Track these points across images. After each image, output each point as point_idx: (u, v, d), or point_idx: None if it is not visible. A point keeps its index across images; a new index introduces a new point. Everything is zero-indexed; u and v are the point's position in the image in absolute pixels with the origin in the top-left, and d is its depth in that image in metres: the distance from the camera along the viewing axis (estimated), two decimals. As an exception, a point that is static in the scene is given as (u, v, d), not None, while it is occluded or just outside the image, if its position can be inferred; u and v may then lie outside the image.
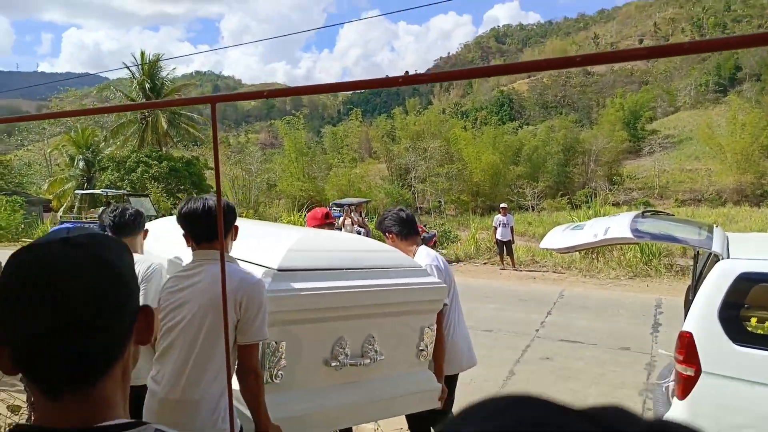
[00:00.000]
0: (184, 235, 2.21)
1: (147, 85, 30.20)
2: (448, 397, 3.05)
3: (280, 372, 2.23)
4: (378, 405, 2.62)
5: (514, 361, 6.14)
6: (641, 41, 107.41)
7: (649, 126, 54.86)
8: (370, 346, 2.51)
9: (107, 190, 19.43)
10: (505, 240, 12.44)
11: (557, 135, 41.79)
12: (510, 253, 12.58)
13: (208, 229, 2.14)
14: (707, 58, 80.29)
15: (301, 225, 16.40)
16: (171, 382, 1.98)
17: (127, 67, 30.50)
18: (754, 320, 3.69)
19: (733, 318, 3.38)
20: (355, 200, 17.02)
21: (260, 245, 2.58)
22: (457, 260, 13.65)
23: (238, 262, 2.30)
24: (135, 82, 30.70)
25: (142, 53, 31.18)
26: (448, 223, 21.22)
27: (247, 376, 2.01)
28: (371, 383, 2.57)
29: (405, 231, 3.20)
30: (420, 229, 13.92)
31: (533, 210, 31.39)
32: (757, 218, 22.35)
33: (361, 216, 14.50)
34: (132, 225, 2.91)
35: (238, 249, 2.40)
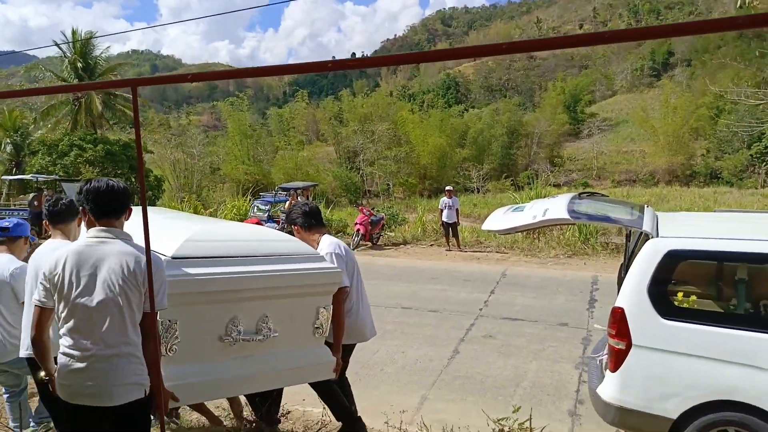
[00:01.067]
0: (83, 211, 2.45)
1: (79, 65, 28.52)
2: (343, 364, 3.50)
3: (174, 346, 2.51)
4: (272, 375, 2.95)
5: (458, 340, 6.29)
6: (581, 26, 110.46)
7: (588, 109, 56.68)
8: (264, 324, 2.81)
9: (37, 176, 18.35)
10: (450, 222, 12.63)
11: (502, 118, 42.55)
12: (455, 234, 12.79)
13: (109, 206, 2.39)
14: (642, 42, 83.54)
15: (246, 209, 16.13)
16: (102, 342, 2.23)
17: (57, 45, 28.70)
18: (680, 295, 3.91)
19: (662, 293, 3.56)
20: (301, 184, 16.82)
21: (164, 235, 2.80)
22: (405, 242, 13.78)
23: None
24: (66, 61, 28.94)
25: (74, 31, 29.36)
26: (396, 205, 21.32)
27: (149, 340, 2.27)
28: (266, 357, 2.86)
29: (308, 222, 3.58)
30: (369, 212, 13.91)
31: (478, 192, 31.98)
32: (687, 197, 23.62)
33: (308, 200, 14.37)
34: (65, 213, 3.20)
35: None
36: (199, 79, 0.99)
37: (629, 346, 3.49)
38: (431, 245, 13.46)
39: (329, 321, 3.11)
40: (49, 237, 3.24)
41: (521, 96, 68.63)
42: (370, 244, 13.37)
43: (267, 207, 14.14)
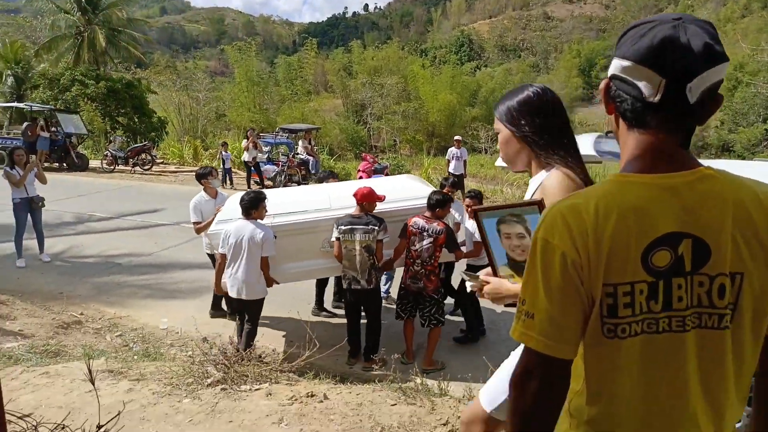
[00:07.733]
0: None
1: (83, -5, 27.61)
2: None
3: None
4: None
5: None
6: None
7: (603, 74, 55.35)
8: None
9: (31, 104, 17.90)
10: (457, 174, 12.23)
11: (514, 78, 41.61)
12: (461, 187, 12.44)
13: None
14: (668, 5, 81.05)
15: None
16: None
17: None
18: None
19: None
20: (304, 126, 16.35)
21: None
22: (409, 194, 13.45)
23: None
24: (69, -9, 27.98)
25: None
26: (402, 160, 20.92)
27: None
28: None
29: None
30: (372, 159, 13.48)
31: (486, 152, 31.44)
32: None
33: (310, 144, 13.96)
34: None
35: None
36: None
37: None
38: (436, 199, 13.12)
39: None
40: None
41: (536, 57, 67.08)
42: (373, 193, 13.03)
43: (267, 149, 13.76)
